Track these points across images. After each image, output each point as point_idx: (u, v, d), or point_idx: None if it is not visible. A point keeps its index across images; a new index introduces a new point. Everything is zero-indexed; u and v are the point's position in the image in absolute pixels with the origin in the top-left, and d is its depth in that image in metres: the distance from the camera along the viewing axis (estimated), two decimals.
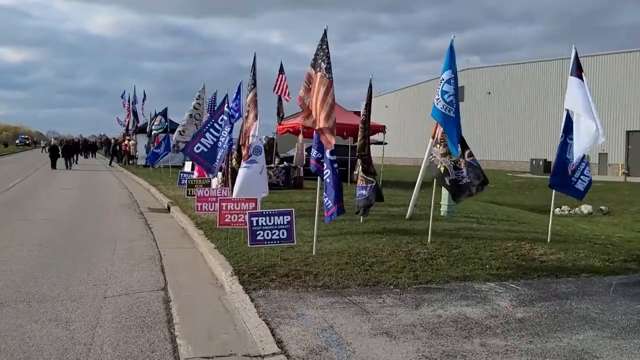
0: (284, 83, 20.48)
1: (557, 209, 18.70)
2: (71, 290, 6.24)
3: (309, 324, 5.00)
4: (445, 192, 11.92)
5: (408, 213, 10.99)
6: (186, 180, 14.64)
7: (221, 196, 10.11)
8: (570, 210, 18.23)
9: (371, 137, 28.79)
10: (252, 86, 9.19)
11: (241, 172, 9.23)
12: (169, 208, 13.81)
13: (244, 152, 9.68)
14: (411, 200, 11.06)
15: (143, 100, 33.20)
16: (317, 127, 7.13)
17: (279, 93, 20.27)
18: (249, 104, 9.16)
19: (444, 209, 11.94)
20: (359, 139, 9.11)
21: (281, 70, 20.35)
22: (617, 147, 43.49)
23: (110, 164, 37.87)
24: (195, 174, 14.62)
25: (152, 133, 25.01)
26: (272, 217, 7.18)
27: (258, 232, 7.16)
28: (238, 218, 8.41)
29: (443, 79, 7.77)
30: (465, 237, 8.85)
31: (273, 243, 7.18)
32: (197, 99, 16.02)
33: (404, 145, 59.67)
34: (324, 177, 7.87)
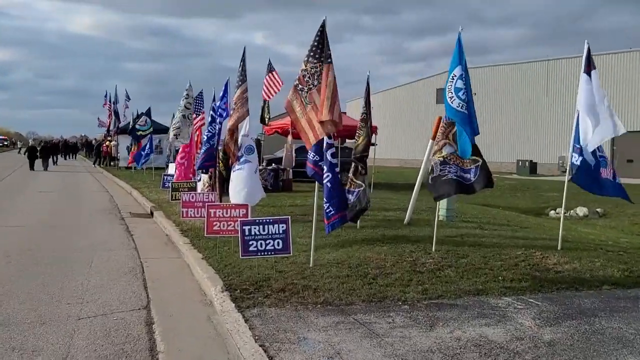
0: (275, 80, 19.83)
1: (552, 212, 18.33)
2: (41, 311, 5.54)
3: (312, 351, 4.37)
4: None
5: (406, 218, 10.42)
6: (170, 184, 13.93)
7: (209, 201, 9.45)
8: (565, 213, 17.86)
9: None
10: (241, 82, 8.55)
11: (235, 175, 8.59)
12: (151, 213, 13.07)
13: (231, 152, 9.04)
14: (409, 205, 10.49)
15: (126, 100, 32.24)
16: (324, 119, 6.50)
17: (270, 92, 19.62)
18: (236, 101, 8.51)
19: (442, 213, 11.38)
20: (359, 139, 8.50)
21: (270, 69, 19.70)
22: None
23: (94, 165, 36.80)
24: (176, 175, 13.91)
25: (138, 133, 24.13)
26: (266, 226, 6.54)
27: (251, 242, 6.51)
28: (227, 226, 7.76)
29: (455, 76, 7.19)
30: (470, 245, 8.30)
31: (267, 254, 6.54)
32: (186, 98, 15.21)
33: (390, 146, 59.28)
34: (324, 181, 7.17)
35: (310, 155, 7.41)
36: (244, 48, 8.67)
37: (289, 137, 17.67)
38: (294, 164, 17.58)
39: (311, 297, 5.79)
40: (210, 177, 10.99)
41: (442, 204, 11.41)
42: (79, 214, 13.08)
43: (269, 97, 19.56)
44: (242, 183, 8.60)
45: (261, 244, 6.52)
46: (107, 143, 35.88)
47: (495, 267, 7.02)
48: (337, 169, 7.19)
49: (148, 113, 24.57)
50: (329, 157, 7.05)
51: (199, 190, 12.61)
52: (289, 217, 6.67)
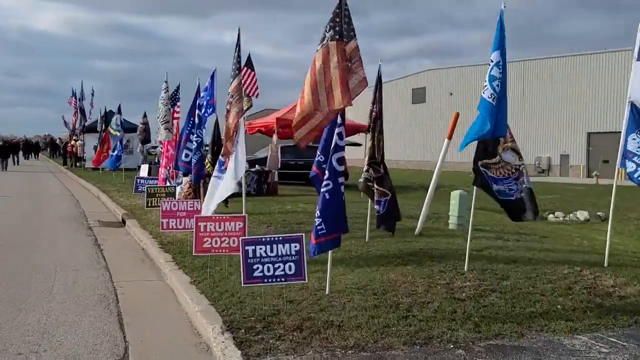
0: (252, 79, 18.50)
1: (551, 215, 17.47)
2: None
3: None
4: (455, 201, 10.27)
5: (418, 228, 9.24)
6: (145, 188, 12.48)
7: (193, 211, 8.09)
8: (564, 217, 17.04)
9: (347, 139, 27.15)
10: (237, 72, 7.22)
11: (226, 179, 7.28)
12: (123, 221, 11.57)
13: (228, 154, 7.71)
14: (421, 213, 9.32)
15: (92, 97, 30.34)
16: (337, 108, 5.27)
17: (248, 92, 18.29)
18: (232, 94, 7.19)
19: (453, 220, 10.28)
20: (370, 141, 7.24)
21: (249, 65, 18.36)
22: (578, 148, 43.53)
23: (70, 165, 34.40)
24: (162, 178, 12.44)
25: (114, 134, 22.32)
26: (275, 246, 5.24)
27: (256, 266, 5.20)
28: (221, 242, 6.43)
29: (492, 61, 6.04)
30: (503, 261, 7.16)
31: (277, 281, 5.24)
32: (165, 91, 13.62)
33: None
34: (321, 189, 5.58)
35: (317, 156, 6.12)
36: (239, 30, 7.34)
37: (274, 137, 16.35)
38: (279, 166, 16.25)
39: (337, 339, 4.52)
40: (192, 184, 9.57)
41: (454, 210, 10.31)
42: (40, 223, 11.48)
43: (249, 93, 18.23)
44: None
45: (269, 268, 5.22)
46: (73, 142, 33.79)
47: (547, 291, 5.88)
48: (342, 179, 5.69)
49: (118, 111, 22.78)
50: (333, 162, 5.65)
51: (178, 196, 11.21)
52: (302, 234, 5.38)
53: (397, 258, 7.19)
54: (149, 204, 10.97)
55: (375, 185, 7.45)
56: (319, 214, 5.50)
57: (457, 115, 8.83)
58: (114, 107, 29.49)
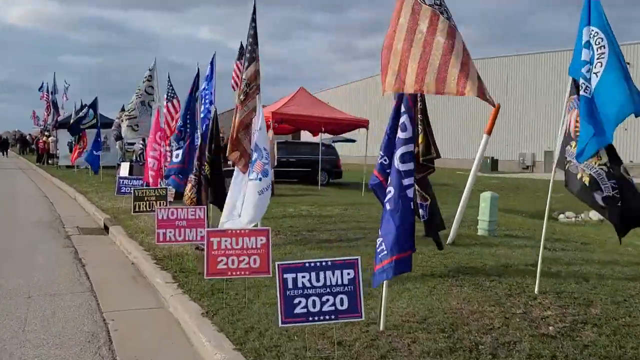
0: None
1: (561, 215, 16.58)
2: None
3: None
4: (485, 204, 9.15)
5: (451, 236, 8.10)
6: (131, 190, 11.13)
7: (195, 220, 6.81)
8: (576, 217, 16.18)
9: (343, 135, 25.93)
10: (253, 54, 5.95)
11: (251, 187, 6.03)
12: (106, 228, 10.17)
13: (235, 155, 6.46)
14: (455, 219, 8.18)
15: (65, 90, 28.50)
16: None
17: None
18: (250, 82, 5.92)
19: (483, 226, 9.18)
20: (422, 134, 6.02)
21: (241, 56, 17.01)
22: None
23: (41, 163, 32.32)
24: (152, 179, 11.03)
25: (81, 126, 20.66)
26: (322, 273, 4.01)
27: (297, 301, 3.97)
28: (239, 262, 5.15)
29: (582, 42, 4.86)
30: (572, 279, 6.06)
31: (326, 319, 4.01)
32: (147, 80, 12.27)
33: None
34: (384, 201, 4.50)
35: (380, 154, 4.87)
36: (254, 3, 6.03)
37: (270, 132, 15.02)
38: (275, 163, 14.95)
39: None
40: (194, 186, 8.23)
41: (484, 214, 9.20)
42: (9, 231, 10.00)
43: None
44: (260, 200, 6.07)
45: (314, 302, 3.99)
46: (44, 139, 31.83)
47: None
48: (410, 181, 4.51)
49: (94, 105, 21.11)
50: (395, 162, 4.47)
51: (170, 199, 9.86)
52: (359, 257, 4.15)
53: (445, 276, 6.02)
54: (137, 209, 9.59)
55: (417, 187, 6.26)
56: (380, 234, 4.30)
57: (499, 107, 7.70)
58: (89, 101, 27.75)
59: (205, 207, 7.27)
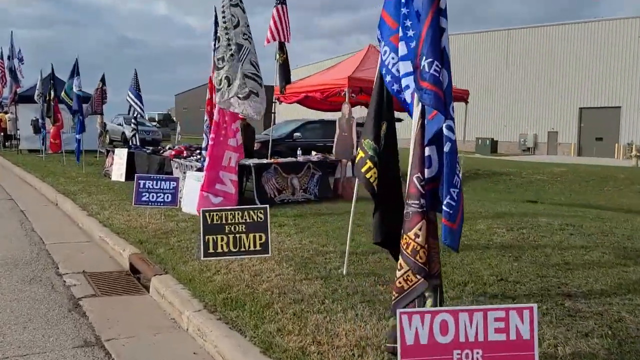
0: (284, 19, 12.49)
1: None
2: None
3: None
4: None
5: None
6: (161, 200, 6.63)
7: None
8: None
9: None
10: None
11: None
12: (134, 270, 5.55)
13: None
14: None
15: (19, 55, 22.70)
16: None
17: (280, 37, 12.29)
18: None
19: None
20: None
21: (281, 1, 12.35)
22: (569, 125, 40.00)
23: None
24: (232, 188, 6.27)
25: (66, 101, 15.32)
26: None
27: None
28: None
29: None
30: None
31: None
32: (224, 18, 7.13)
33: None
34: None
35: None
36: None
37: (345, 106, 10.47)
38: (355, 153, 10.44)
39: None
40: None
41: None
42: None
43: (281, 38, 12.39)
44: None
45: None
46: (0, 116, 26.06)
47: None
48: None
49: (75, 73, 15.73)
50: None
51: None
52: None
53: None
54: (210, 250, 4.97)
55: None
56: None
57: None
58: (34, 79, 22.18)
59: None
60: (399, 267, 3.19)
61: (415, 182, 3.16)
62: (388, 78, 4.22)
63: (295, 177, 9.69)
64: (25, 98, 21.44)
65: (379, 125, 4.16)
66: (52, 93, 16.46)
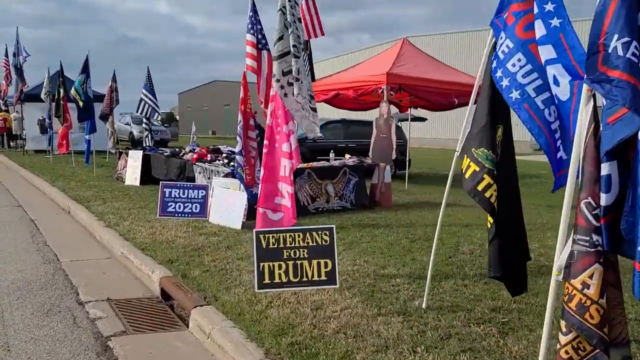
0: (312, 13, 11.63)
1: None
2: None
3: None
4: None
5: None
6: (188, 210, 5.87)
7: None
8: None
9: (411, 112, 20.34)
10: None
11: None
12: (165, 296, 4.71)
13: None
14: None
15: (24, 52, 21.86)
16: None
17: (315, 34, 11.44)
18: None
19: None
20: None
21: None
22: None
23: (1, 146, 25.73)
24: (287, 200, 5.39)
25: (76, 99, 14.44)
26: None
27: None
28: None
29: None
30: None
31: None
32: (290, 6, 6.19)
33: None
34: None
35: None
36: None
37: (383, 104, 9.62)
38: (394, 155, 9.56)
39: None
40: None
41: None
42: None
43: (315, 35, 11.51)
44: None
45: None
46: (4, 115, 25.26)
47: None
48: None
49: (83, 71, 14.86)
50: None
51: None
52: None
53: None
54: (266, 280, 4.12)
55: None
56: None
57: None
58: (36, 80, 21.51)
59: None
60: (562, 329, 2.34)
61: (585, 210, 2.31)
62: (499, 73, 3.39)
63: (330, 183, 8.85)
64: (32, 97, 20.63)
65: (494, 129, 3.32)
66: (62, 92, 15.62)
